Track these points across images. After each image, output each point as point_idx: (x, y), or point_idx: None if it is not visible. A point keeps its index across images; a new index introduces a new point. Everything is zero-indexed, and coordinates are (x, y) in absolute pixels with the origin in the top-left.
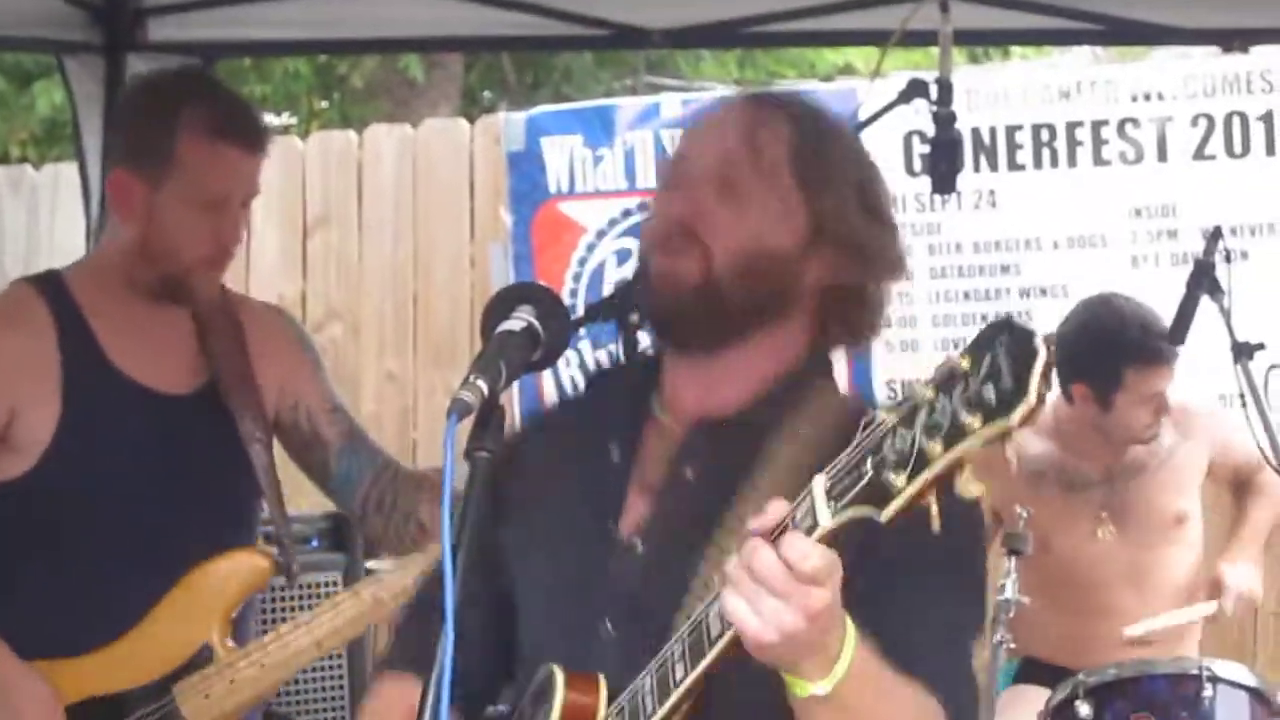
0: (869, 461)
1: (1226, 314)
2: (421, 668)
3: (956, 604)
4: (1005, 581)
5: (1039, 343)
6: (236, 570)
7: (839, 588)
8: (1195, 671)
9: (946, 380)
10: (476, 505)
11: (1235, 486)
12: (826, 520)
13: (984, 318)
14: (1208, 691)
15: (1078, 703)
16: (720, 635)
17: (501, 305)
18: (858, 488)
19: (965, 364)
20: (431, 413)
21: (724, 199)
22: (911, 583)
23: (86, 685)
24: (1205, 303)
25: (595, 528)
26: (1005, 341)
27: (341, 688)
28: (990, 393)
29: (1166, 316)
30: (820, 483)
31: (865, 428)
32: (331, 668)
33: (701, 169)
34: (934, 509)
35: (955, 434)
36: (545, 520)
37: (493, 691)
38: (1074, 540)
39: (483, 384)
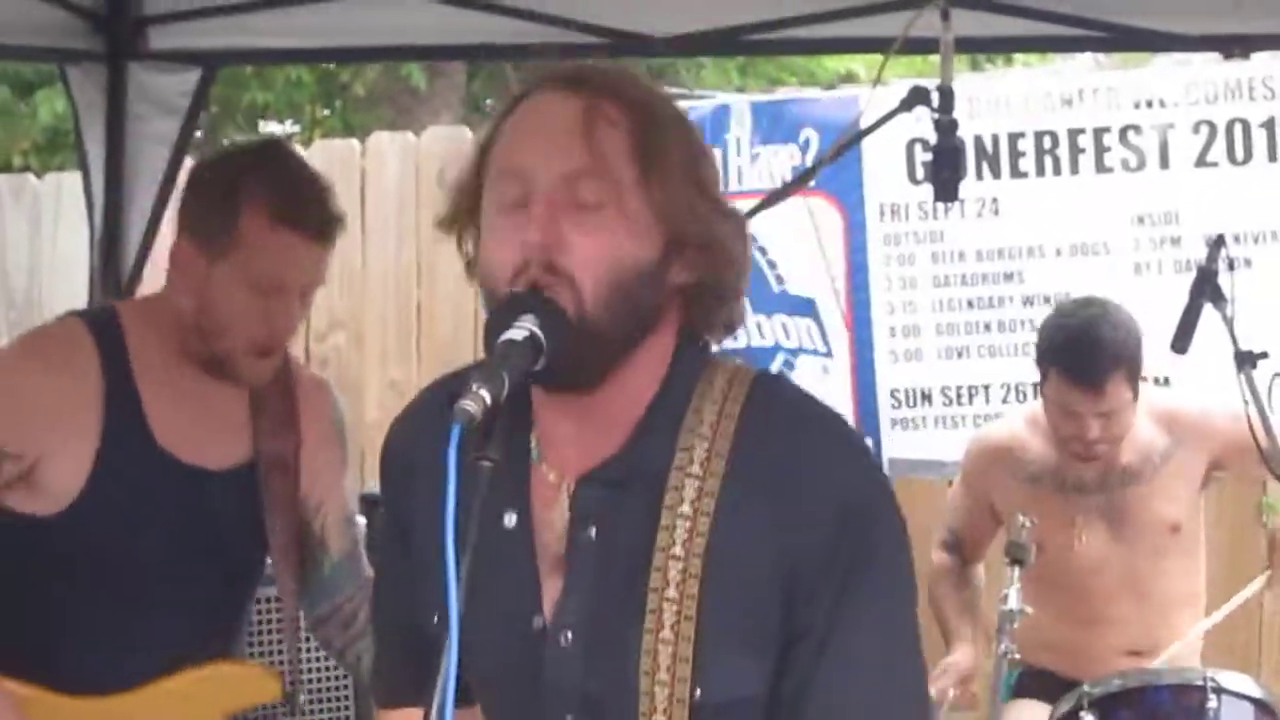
0: None
1: (1229, 322)
2: (411, 696)
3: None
4: (1009, 591)
5: None
6: (251, 685)
7: None
8: (1200, 682)
9: None
10: (480, 515)
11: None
12: None
13: (987, 326)
14: (1212, 702)
15: (1082, 714)
16: None
17: (504, 314)
18: None
19: None
20: None
21: (580, 221)
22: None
23: None
24: (1208, 311)
25: (517, 620)
26: None
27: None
28: None
29: (1169, 324)
30: None
31: None
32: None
33: (548, 186)
34: None
35: None
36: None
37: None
38: (1068, 546)
39: (485, 393)
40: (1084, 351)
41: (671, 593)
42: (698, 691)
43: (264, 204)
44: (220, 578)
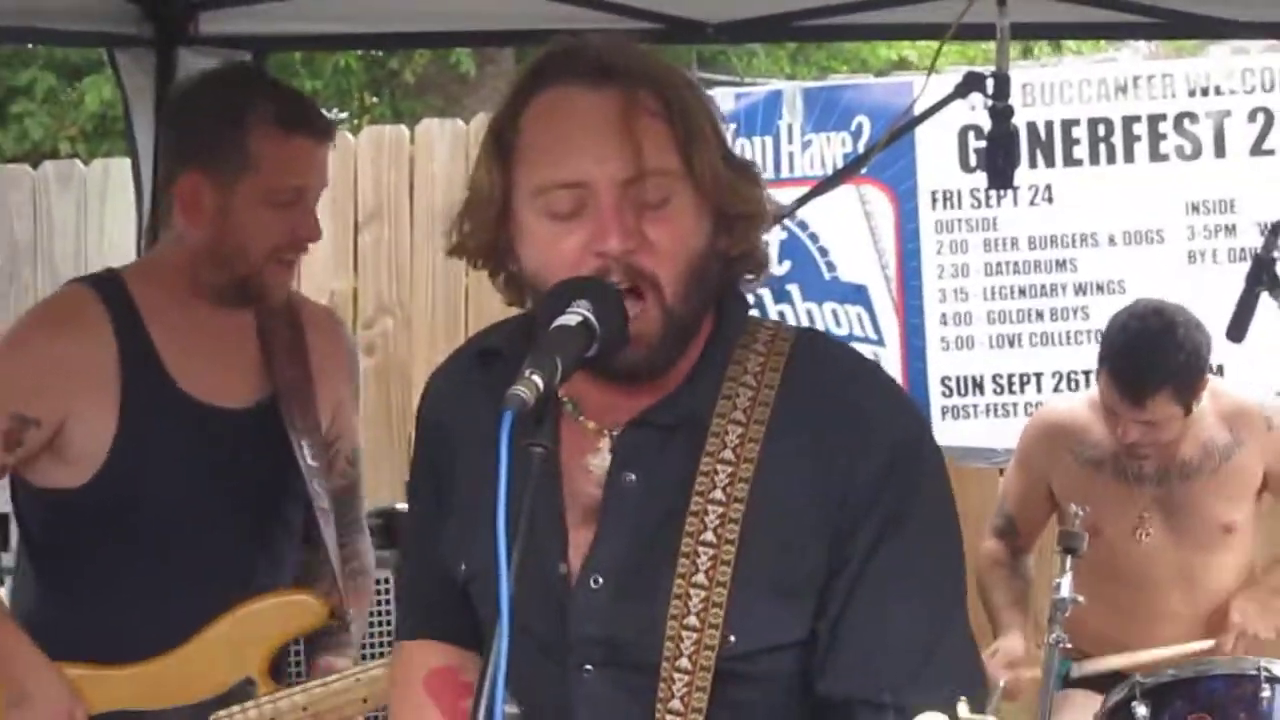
0: None
1: None
2: (434, 631)
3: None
4: (1060, 580)
5: None
6: (293, 611)
7: None
8: (1253, 672)
9: None
10: (532, 500)
11: None
12: None
13: (1039, 314)
14: (1265, 692)
15: (1134, 704)
16: None
17: (557, 299)
18: None
19: None
20: None
21: (652, 219)
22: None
23: (122, 697)
24: (1264, 299)
25: (540, 567)
26: None
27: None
28: None
29: (1223, 313)
30: None
31: None
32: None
33: (611, 194)
34: None
35: None
36: (485, 540)
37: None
38: (1124, 535)
39: (538, 379)
40: (1134, 363)
41: (709, 536)
42: (731, 638)
43: (272, 118)
44: (258, 517)
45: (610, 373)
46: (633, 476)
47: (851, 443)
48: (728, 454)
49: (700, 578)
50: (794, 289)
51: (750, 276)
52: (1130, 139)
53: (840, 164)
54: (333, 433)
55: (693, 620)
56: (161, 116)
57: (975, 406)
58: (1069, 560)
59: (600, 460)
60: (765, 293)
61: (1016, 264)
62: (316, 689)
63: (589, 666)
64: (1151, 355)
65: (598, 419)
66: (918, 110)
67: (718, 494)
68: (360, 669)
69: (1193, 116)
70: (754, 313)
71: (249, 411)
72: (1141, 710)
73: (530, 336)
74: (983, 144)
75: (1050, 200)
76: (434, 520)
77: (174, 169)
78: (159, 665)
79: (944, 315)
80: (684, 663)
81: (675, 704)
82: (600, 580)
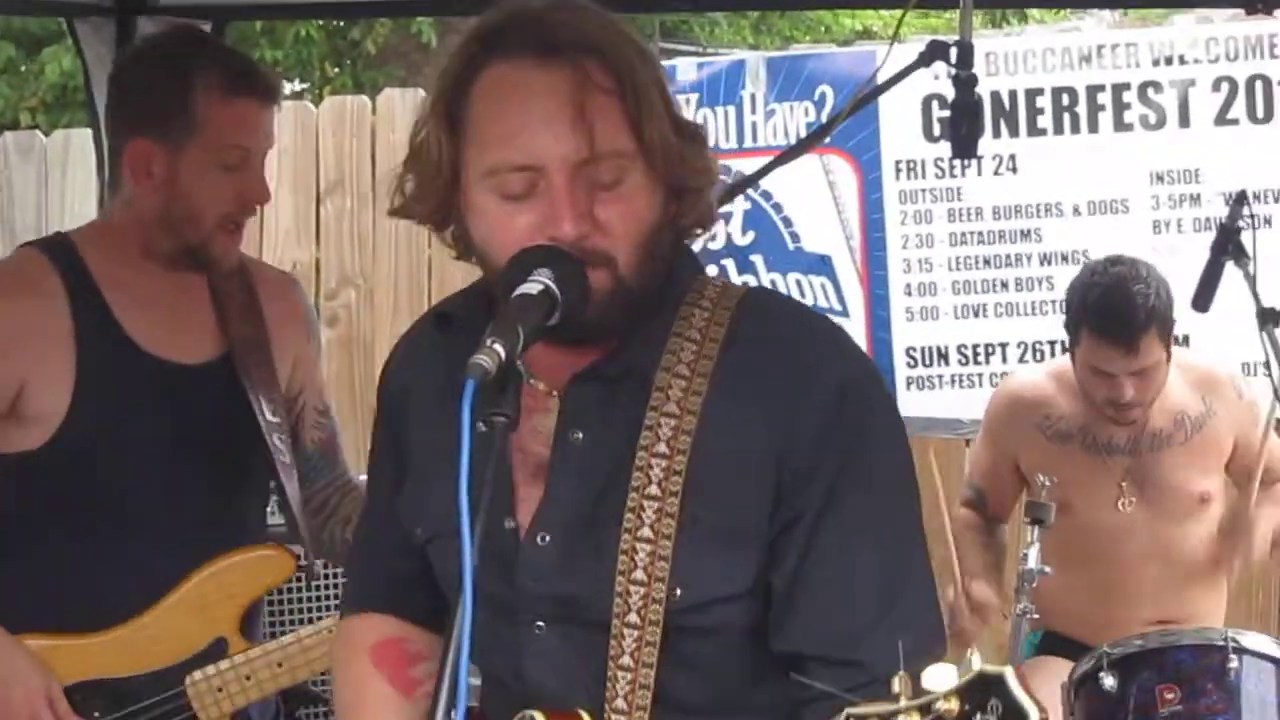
0: None
1: (1252, 280)
2: (380, 605)
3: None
4: (1028, 552)
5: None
6: (258, 567)
7: None
8: (1221, 642)
9: (933, 716)
10: (495, 469)
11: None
12: None
13: (1004, 285)
14: (1233, 662)
15: (1102, 674)
16: None
17: (518, 268)
18: None
19: (953, 708)
20: None
21: (605, 199)
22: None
23: (93, 666)
24: (1229, 269)
25: (489, 525)
26: (998, 710)
27: None
28: None
29: (1188, 283)
30: None
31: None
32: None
33: (564, 176)
34: None
35: None
36: (440, 504)
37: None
38: (1097, 508)
39: (500, 348)
40: (1117, 309)
41: (654, 490)
42: (677, 591)
43: (216, 81)
44: (220, 474)
45: (560, 334)
46: (580, 434)
47: (794, 389)
48: (671, 407)
49: (646, 531)
50: (758, 259)
51: (699, 231)
52: (1094, 108)
53: (804, 134)
54: (294, 387)
55: (640, 575)
56: (108, 84)
57: (940, 377)
58: (1036, 531)
59: (549, 421)
60: (729, 263)
61: (981, 234)
62: (290, 644)
63: (540, 623)
64: (1128, 298)
65: (547, 380)
66: (881, 79)
67: (661, 447)
68: (333, 621)
69: (1157, 86)
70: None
71: (205, 367)
72: (1109, 680)
73: (486, 301)
74: (946, 113)
75: (1014, 170)
76: (393, 491)
77: (121, 136)
78: (128, 630)
79: (908, 285)
80: (633, 618)
81: (626, 659)
82: (547, 538)
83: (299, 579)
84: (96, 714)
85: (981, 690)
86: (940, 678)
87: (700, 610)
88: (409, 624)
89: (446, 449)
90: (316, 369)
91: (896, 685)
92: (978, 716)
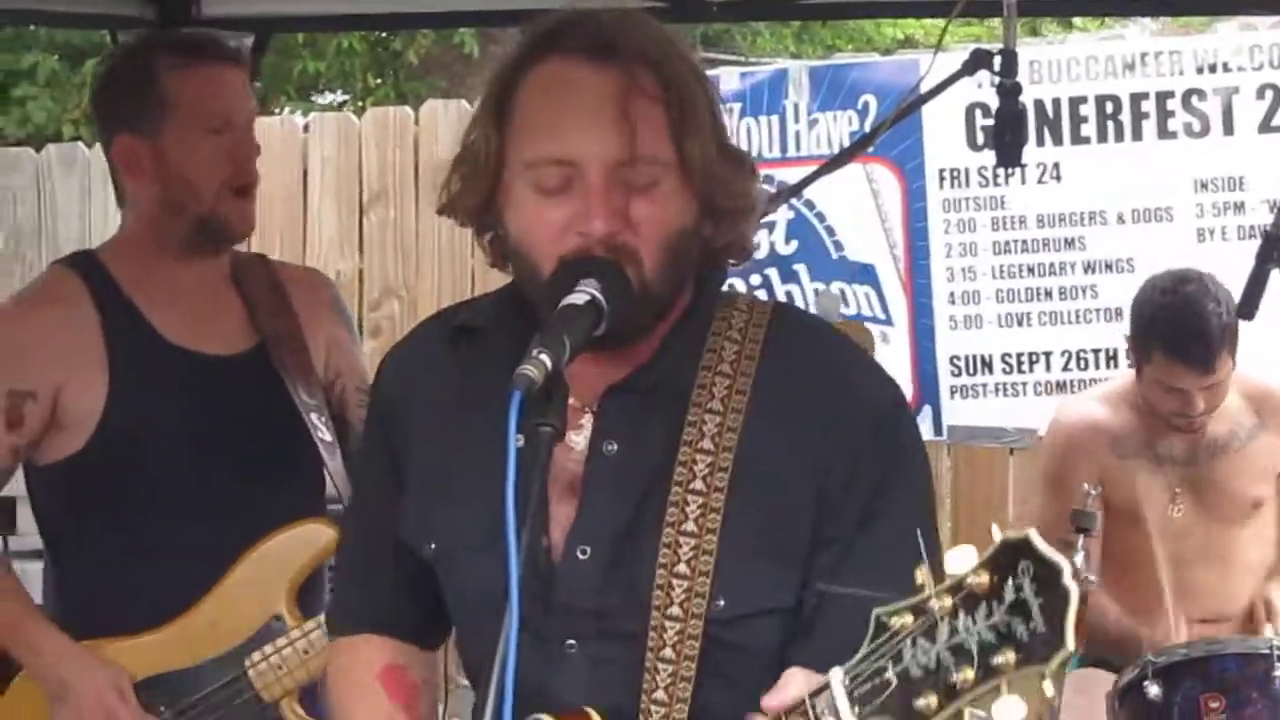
0: (891, 670)
1: None
2: (376, 623)
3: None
4: (1074, 560)
5: (1068, 581)
6: (304, 540)
7: None
8: (1266, 650)
9: (966, 598)
10: (540, 481)
11: None
12: None
13: (1048, 293)
14: (1278, 671)
15: (1146, 683)
16: None
17: (565, 277)
18: (883, 698)
19: (984, 581)
20: None
21: (638, 200)
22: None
23: (157, 661)
24: (1275, 276)
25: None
26: (1030, 571)
27: None
28: (1021, 629)
29: (1233, 289)
30: (840, 679)
31: (879, 628)
32: None
33: (600, 174)
34: None
35: (988, 667)
36: (458, 519)
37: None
38: (1158, 514)
39: (546, 358)
40: (1194, 332)
41: (693, 501)
42: (720, 601)
43: (177, 57)
44: (263, 460)
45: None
46: (614, 446)
47: (833, 412)
48: (715, 405)
49: (690, 525)
50: (801, 269)
51: (733, 262)
52: (1138, 116)
53: (847, 143)
54: (331, 371)
55: (683, 568)
56: (89, 102)
57: (984, 386)
58: (1081, 539)
59: (581, 436)
60: (773, 272)
61: (1025, 242)
62: (312, 628)
63: (571, 642)
64: (1204, 319)
65: (577, 395)
66: (924, 88)
67: (706, 444)
68: None
69: (1201, 93)
70: (760, 293)
71: (239, 358)
72: (1154, 690)
73: (513, 305)
74: (990, 122)
75: (1058, 178)
76: (389, 502)
77: (107, 142)
78: (186, 621)
79: (952, 294)
80: (675, 610)
81: (668, 652)
82: (588, 550)
83: None
84: (163, 708)
85: (1009, 558)
86: (962, 559)
87: (742, 623)
88: (402, 644)
89: (469, 461)
90: (353, 352)
91: (919, 577)
92: (1009, 582)
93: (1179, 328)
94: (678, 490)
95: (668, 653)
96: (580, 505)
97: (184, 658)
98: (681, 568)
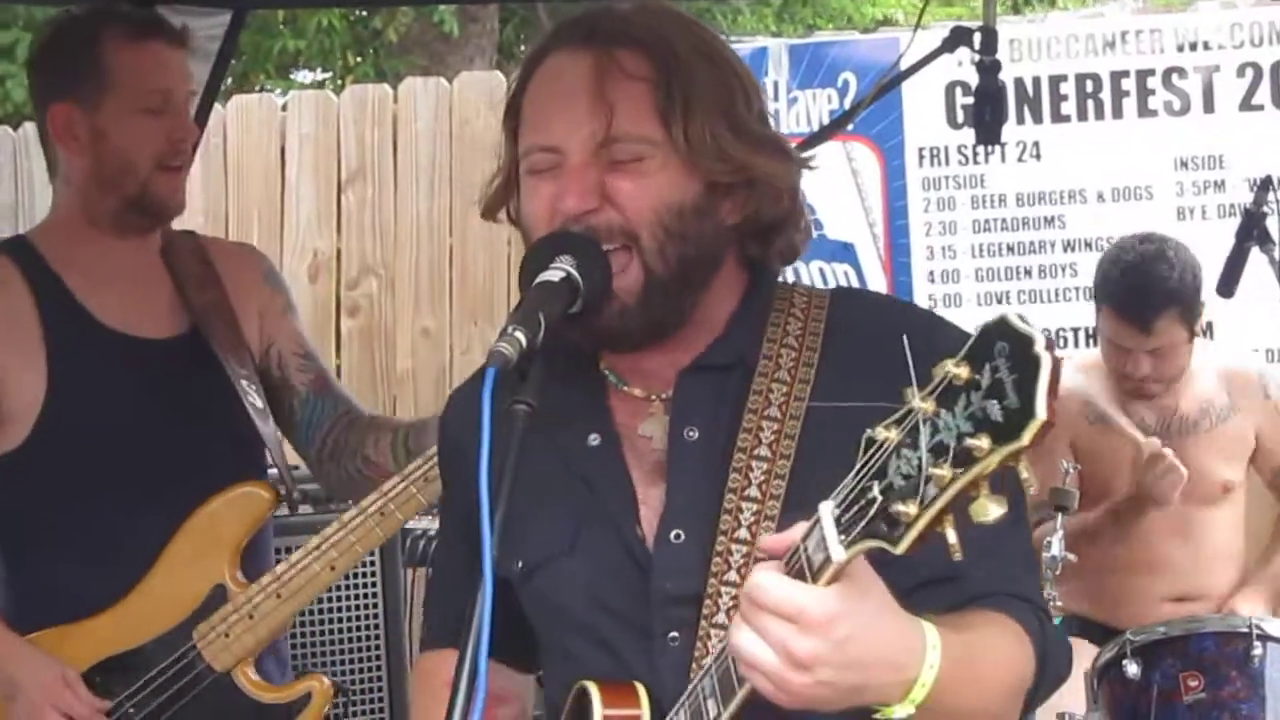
0: (876, 487)
1: (1277, 265)
2: (456, 642)
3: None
4: (1052, 539)
5: (1040, 350)
6: (238, 505)
7: (870, 613)
8: (1244, 629)
9: (945, 392)
10: (516, 459)
11: (1276, 490)
12: (840, 555)
13: (1027, 272)
14: (1257, 650)
15: (1125, 661)
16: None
17: (540, 255)
18: (867, 519)
19: (963, 373)
20: (468, 368)
21: (619, 174)
22: None
23: (104, 645)
24: (1254, 255)
25: (617, 538)
26: (1004, 350)
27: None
28: (996, 410)
29: (1212, 269)
30: (829, 510)
31: (867, 446)
32: (368, 646)
33: (578, 155)
34: (951, 536)
35: (964, 457)
36: (534, 533)
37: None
38: (1129, 485)
39: (521, 336)
40: (1136, 289)
41: (758, 468)
42: None
43: (122, 31)
44: (204, 439)
45: (619, 338)
46: (694, 431)
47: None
48: (783, 375)
49: (754, 491)
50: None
51: (779, 264)
52: (1119, 94)
53: (826, 121)
54: (265, 339)
55: (743, 534)
56: (27, 65)
57: None
58: (1060, 518)
59: (653, 425)
60: None
61: (1004, 221)
62: (285, 571)
63: (674, 634)
64: (1150, 278)
65: (643, 385)
66: (904, 66)
67: (773, 411)
68: (320, 538)
69: (1181, 72)
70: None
71: (174, 340)
72: (1132, 668)
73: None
74: (970, 100)
75: (1038, 157)
76: (459, 542)
77: (43, 109)
78: (130, 601)
79: (932, 273)
80: (733, 576)
81: (720, 618)
82: (681, 534)
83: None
84: (117, 689)
85: (985, 345)
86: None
87: None
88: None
89: (537, 481)
90: (288, 318)
91: (907, 395)
92: (987, 367)
93: (1124, 284)
94: (740, 457)
95: (720, 618)
96: (669, 488)
97: (132, 638)
98: (742, 533)
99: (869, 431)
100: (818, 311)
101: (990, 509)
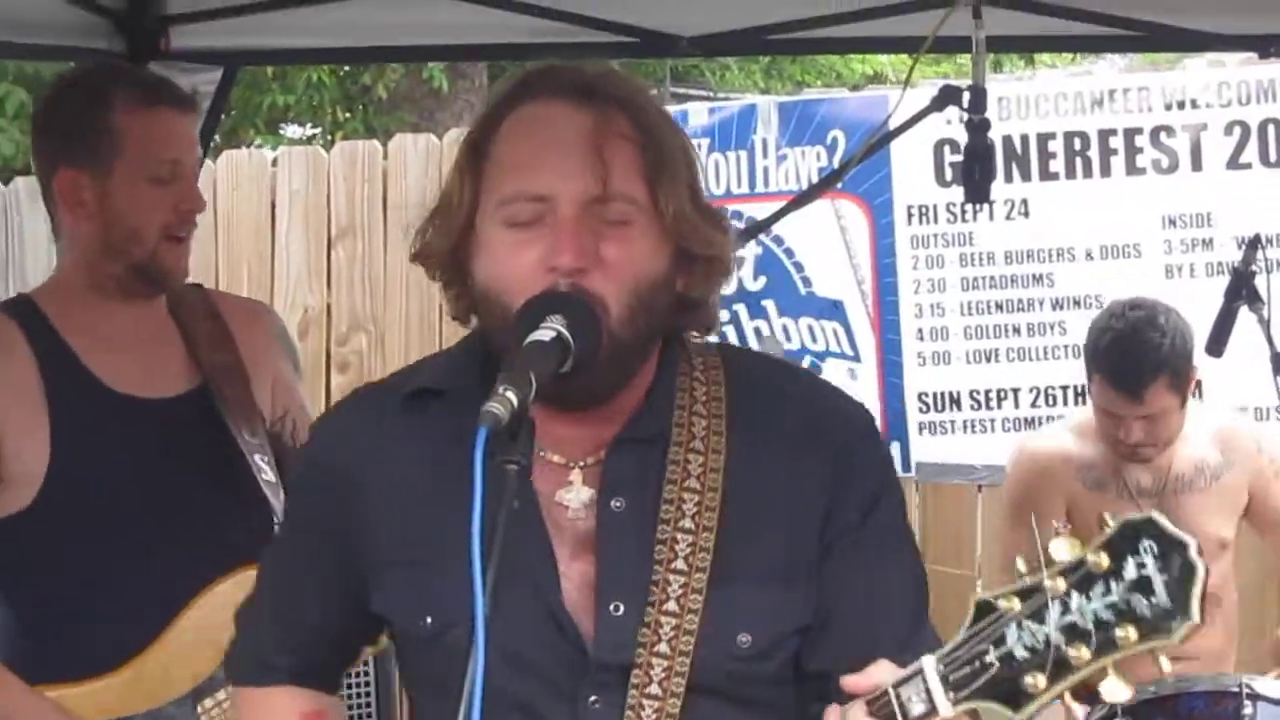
0: (992, 653)
1: (1266, 324)
2: (294, 675)
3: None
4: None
5: (1195, 556)
6: (251, 585)
7: None
8: (1234, 688)
9: (1082, 579)
10: (508, 518)
11: (1274, 544)
12: (947, 710)
13: (1016, 329)
14: (1248, 709)
15: None
16: None
17: (531, 315)
18: (983, 680)
19: (1103, 561)
20: None
21: (608, 238)
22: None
23: (109, 707)
24: (1242, 314)
25: (541, 601)
26: (1151, 549)
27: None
28: (1143, 605)
29: (1201, 327)
30: (932, 665)
31: (981, 610)
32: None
33: (573, 208)
34: (1074, 710)
35: (1106, 645)
36: (457, 591)
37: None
38: None
39: (512, 395)
40: (1126, 357)
41: (683, 540)
42: (744, 637)
43: (134, 98)
44: (211, 502)
45: (560, 400)
46: (620, 502)
47: (818, 438)
48: (697, 444)
49: (680, 564)
50: (769, 304)
51: (696, 335)
52: (1106, 153)
53: (815, 178)
54: (279, 408)
55: (672, 605)
56: (33, 125)
57: (952, 422)
58: None
59: (573, 493)
60: (740, 308)
61: (993, 279)
62: None
63: (595, 698)
64: (1141, 346)
65: (562, 453)
66: (893, 124)
67: (692, 483)
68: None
69: (1169, 130)
70: (728, 329)
71: (179, 400)
72: None
73: (479, 369)
74: (959, 158)
75: (1026, 215)
76: (323, 565)
77: (48, 171)
78: (137, 667)
79: (920, 330)
80: (663, 648)
81: (654, 689)
82: (620, 607)
83: None
84: None
85: (1130, 538)
86: (1067, 547)
87: (768, 655)
88: (317, 691)
89: (460, 531)
90: (297, 387)
91: (1021, 565)
92: (1130, 561)
93: (1115, 353)
94: (665, 529)
95: (654, 689)
96: (600, 561)
97: (136, 703)
98: (671, 605)
99: (983, 595)
100: (714, 373)
101: (1121, 690)
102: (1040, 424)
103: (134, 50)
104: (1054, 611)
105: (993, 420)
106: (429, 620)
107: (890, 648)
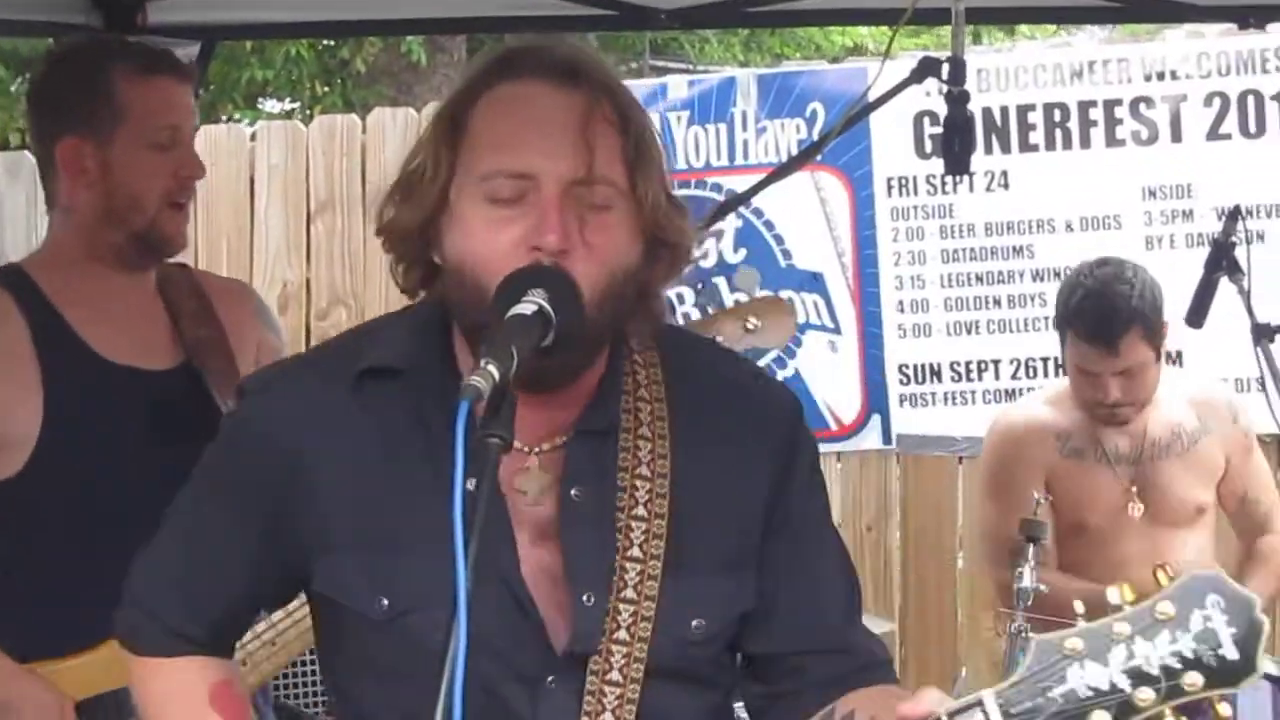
0: (1055, 690)
1: (1246, 295)
2: (201, 645)
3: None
4: (1022, 569)
5: (1260, 615)
6: None
7: None
8: None
9: (1148, 626)
10: (488, 494)
11: (1238, 531)
12: None
13: (997, 301)
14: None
15: None
16: None
17: (513, 288)
18: (1045, 716)
19: (1169, 611)
20: None
21: (590, 222)
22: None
23: (97, 680)
24: (1223, 285)
25: (503, 584)
26: (1218, 604)
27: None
28: (1209, 655)
29: (1180, 298)
30: (991, 698)
31: (1043, 652)
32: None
33: (557, 189)
34: None
35: (1173, 691)
36: (417, 574)
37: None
38: (1109, 515)
39: (494, 369)
40: (1099, 310)
41: (637, 527)
42: (698, 621)
43: (133, 67)
44: None
45: (535, 380)
46: (579, 491)
47: (755, 425)
48: (644, 430)
49: (635, 551)
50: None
51: (634, 345)
52: (1086, 124)
53: (795, 151)
54: None
55: (630, 593)
56: (30, 97)
57: (933, 394)
58: (1031, 549)
59: (530, 480)
60: (720, 281)
61: (973, 250)
62: (280, 619)
63: (551, 678)
64: (1111, 299)
65: (520, 439)
66: (872, 96)
67: (643, 470)
68: None
69: (1149, 101)
70: (705, 301)
71: (170, 373)
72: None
73: (436, 347)
74: (938, 130)
75: (1006, 186)
76: (248, 536)
77: (49, 140)
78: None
79: (901, 303)
80: (622, 635)
81: (614, 675)
82: (591, 598)
83: None
84: None
85: (1195, 592)
86: (1122, 593)
87: (717, 638)
88: (222, 660)
89: (420, 513)
90: (280, 358)
91: (1079, 607)
92: (1196, 613)
93: (1087, 307)
94: (620, 517)
95: (614, 675)
96: (566, 551)
97: (125, 677)
98: (629, 593)
99: (1045, 637)
100: (651, 355)
101: None
102: (1020, 396)
103: (111, 25)
104: (1118, 655)
105: (973, 392)
106: (384, 603)
107: (830, 634)
